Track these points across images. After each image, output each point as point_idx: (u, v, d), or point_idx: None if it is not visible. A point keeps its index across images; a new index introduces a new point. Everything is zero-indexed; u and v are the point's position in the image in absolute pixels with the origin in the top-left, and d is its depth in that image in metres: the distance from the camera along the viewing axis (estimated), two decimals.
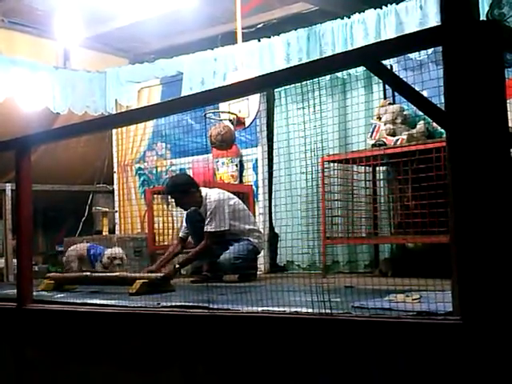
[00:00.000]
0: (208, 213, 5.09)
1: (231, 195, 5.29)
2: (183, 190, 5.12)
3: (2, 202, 6.42)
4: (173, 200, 5.33)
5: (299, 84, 3.88)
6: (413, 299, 2.69)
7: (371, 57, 2.27)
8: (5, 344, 3.51)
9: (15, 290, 3.53)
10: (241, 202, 5.34)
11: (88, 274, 4.58)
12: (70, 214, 7.76)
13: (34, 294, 3.64)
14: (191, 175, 6.26)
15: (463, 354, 1.97)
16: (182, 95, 6.36)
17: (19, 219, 3.58)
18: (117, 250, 5.43)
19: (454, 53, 2.01)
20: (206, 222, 5.08)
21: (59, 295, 4.04)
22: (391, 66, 4.61)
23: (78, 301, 3.53)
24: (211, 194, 5.17)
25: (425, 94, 2.39)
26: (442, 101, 2.09)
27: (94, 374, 3.06)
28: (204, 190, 5.25)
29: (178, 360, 2.72)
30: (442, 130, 4.51)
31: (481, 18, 2.10)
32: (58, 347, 3.23)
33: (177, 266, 5.07)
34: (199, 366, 2.65)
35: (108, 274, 4.62)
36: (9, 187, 6.36)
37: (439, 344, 2.03)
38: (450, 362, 2.00)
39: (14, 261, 5.38)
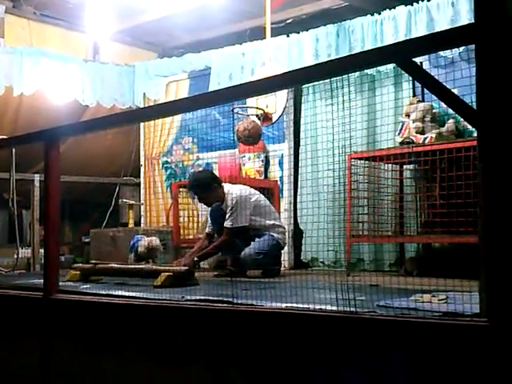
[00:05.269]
0: (229, 209, 5.11)
1: (254, 191, 5.29)
2: (205, 187, 5.15)
3: (31, 192, 6.50)
4: (196, 195, 5.36)
5: (327, 80, 3.86)
6: (439, 300, 2.66)
7: (403, 54, 2.24)
8: (31, 333, 3.56)
9: (41, 280, 3.58)
10: (264, 197, 5.34)
11: (113, 265, 4.61)
12: (97, 206, 7.83)
13: (60, 284, 3.68)
14: (215, 171, 6.28)
15: (490, 357, 1.94)
16: (209, 90, 6.38)
17: (47, 210, 3.62)
18: (153, 240, 5.40)
19: (487, 51, 1.98)
20: (226, 218, 5.10)
21: (85, 286, 4.08)
22: (421, 63, 4.57)
23: (103, 292, 3.56)
24: (233, 191, 5.19)
25: (455, 92, 2.36)
26: (474, 99, 2.06)
27: (118, 365, 3.09)
28: (226, 186, 5.26)
29: (203, 353, 2.73)
30: (472, 129, 4.47)
31: None
32: (84, 337, 3.26)
33: (195, 258, 5.09)
34: (222, 360, 2.65)
35: (133, 266, 4.65)
36: (37, 178, 6.45)
37: (465, 346, 2.01)
38: (476, 364, 1.98)
39: (41, 251, 5.45)
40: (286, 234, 5.49)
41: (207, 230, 5.39)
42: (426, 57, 4.77)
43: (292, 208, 6.21)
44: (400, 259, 5.46)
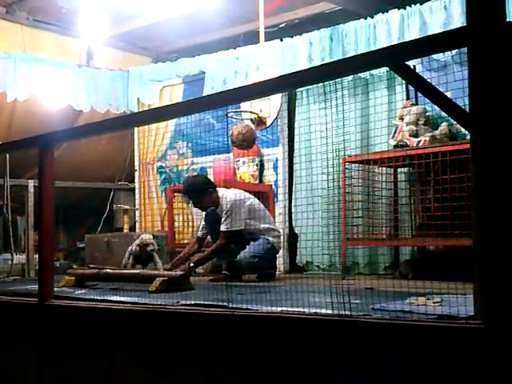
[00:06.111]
0: (224, 213, 5.11)
1: (248, 195, 5.30)
2: (200, 191, 5.15)
3: (25, 198, 6.49)
4: (190, 200, 5.37)
5: (321, 84, 3.87)
6: (434, 302, 2.67)
7: (395, 57, 2.25)
8: (26, 339, 3.54)
9: (36, 286, 3.56)
10: (258, 201, 5.34)
11: (108, 270, 4.60)
12: (91, 211, 7.81)
13: (55, 289, 3.67)
14: (209, 175, 6.29)
15: (484, 359, 1.95)
16: (203, 94, 6.38)
17: (41, 215, 3.61)
18: (145, 237, 5.35)
19: (479, 54, 1.99)
20: (222, 222, 5.10)
21: (80, 291, 4.07)
22: (414, 67, 4.58)
23: (98, 297, 3.55)
24: (228, 195, 5.19)
25: (448, 95, 2.36)
26: (467, 102, 2.06)
27: (112, 370, 3.08)
28: (221, 191, 5.26)
29: (197, 358, 2.72)
30: (465, 132, 4.48)
31: (508, 19, 2.07)
32: (78, 343, 3.25)
33: (191, 264, 5.09)
34: (217, 365, 2.65)
35: (128, 272, 4.64)
36: (31, 183, 6.44)
37: (460, 348, 2.01)
38: (470, 366, 1.98)
39: (36, 257, 5.43)
40: (281, 237, 5.49)
41: (199, 233, 5.39)
42: (419, 60, 4.79)
43: (287, 212, 6.22)
44: (395, 262, 5.47)
